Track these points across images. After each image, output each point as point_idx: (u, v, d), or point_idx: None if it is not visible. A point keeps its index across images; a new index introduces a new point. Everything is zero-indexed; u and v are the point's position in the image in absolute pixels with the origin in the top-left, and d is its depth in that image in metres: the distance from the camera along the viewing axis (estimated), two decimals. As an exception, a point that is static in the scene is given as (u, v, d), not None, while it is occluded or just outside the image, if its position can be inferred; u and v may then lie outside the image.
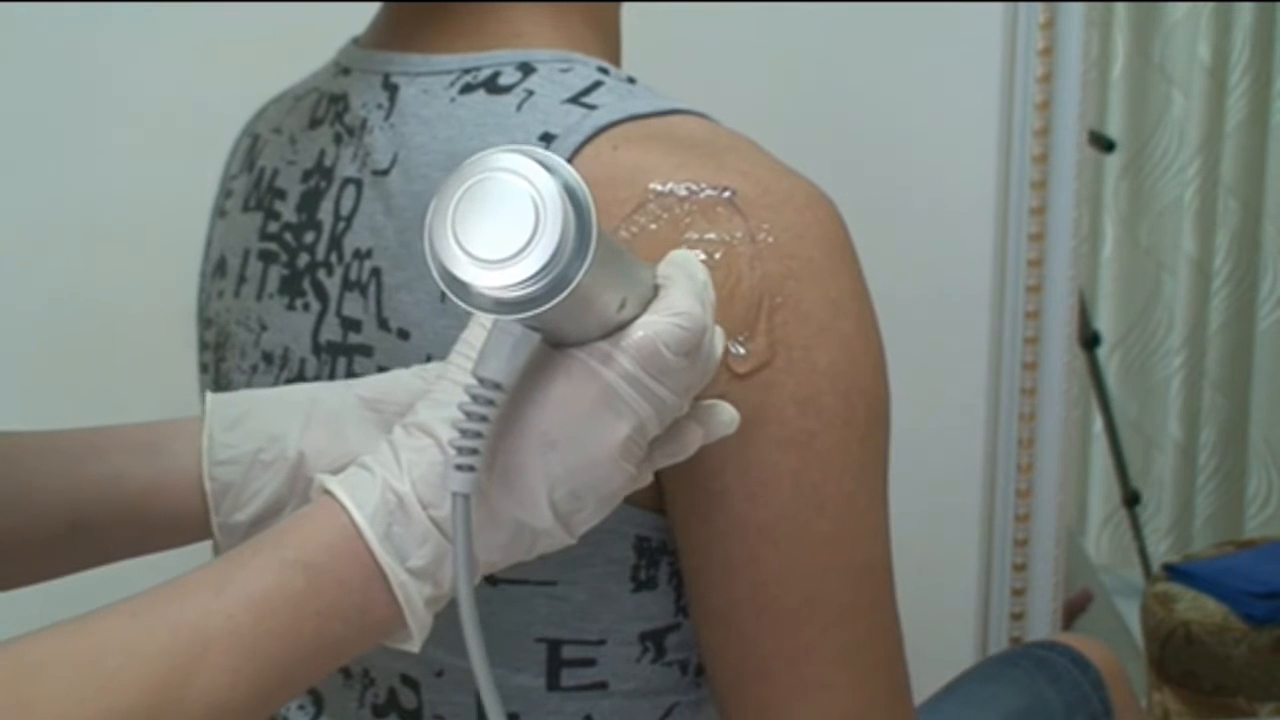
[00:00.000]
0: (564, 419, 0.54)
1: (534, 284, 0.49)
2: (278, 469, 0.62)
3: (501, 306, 0.50)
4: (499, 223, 0.49)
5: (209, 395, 0.65)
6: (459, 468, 0.52)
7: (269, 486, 0.62)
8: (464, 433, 0.52)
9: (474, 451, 0.52)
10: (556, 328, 0.53)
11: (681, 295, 0.55)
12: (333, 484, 0.54)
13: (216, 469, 0.62)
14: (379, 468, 0.54)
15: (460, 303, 0.50)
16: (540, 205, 0.49)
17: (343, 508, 0.53)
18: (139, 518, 0.63)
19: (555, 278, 0.49)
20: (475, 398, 0.52)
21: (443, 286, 0.50)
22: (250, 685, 0.50)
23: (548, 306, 0.49)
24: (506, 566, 0.57)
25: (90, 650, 0.48)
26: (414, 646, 0.55)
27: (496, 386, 0.52)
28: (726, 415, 0.58)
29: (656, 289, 0.56)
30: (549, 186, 0.49)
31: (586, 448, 0.54)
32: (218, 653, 0.49)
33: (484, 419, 0.52)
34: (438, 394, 0.56)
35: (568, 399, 0.53)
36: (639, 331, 0.54)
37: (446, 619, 0.59)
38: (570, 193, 0.49)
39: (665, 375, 0.54)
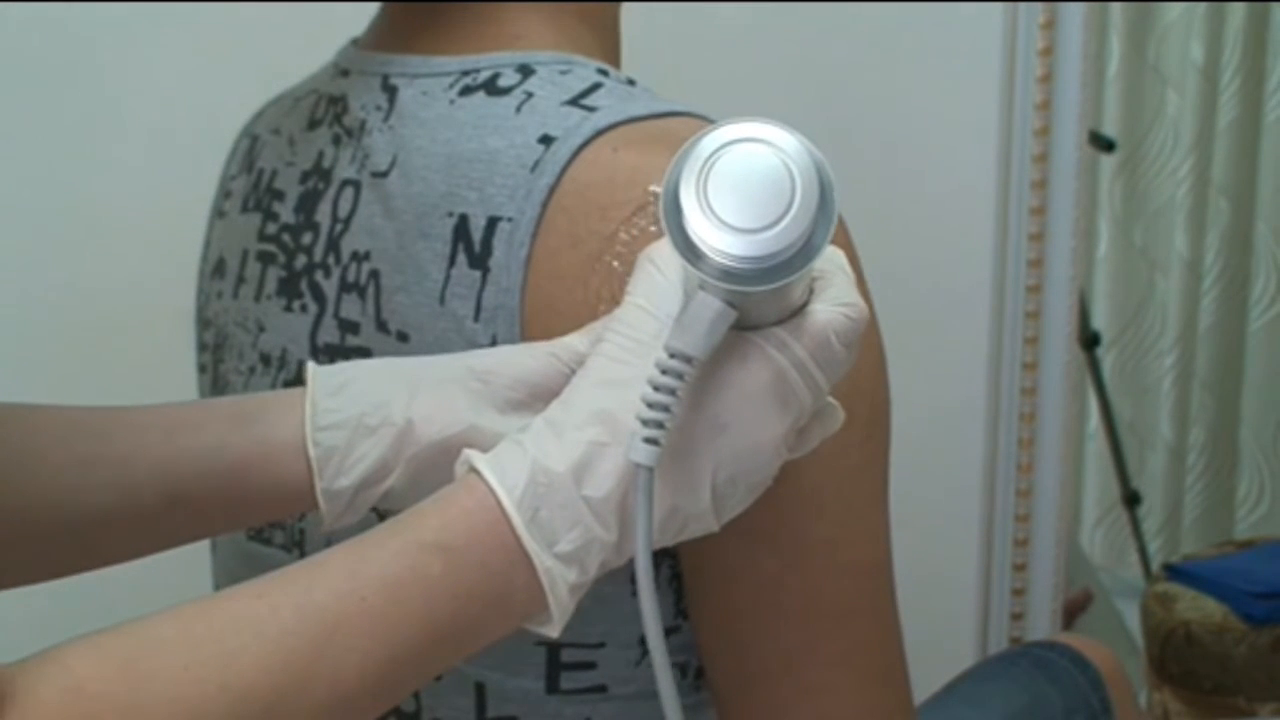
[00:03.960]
0: (737, 402, 0.53)
1: (776, 258, 0.48)
2: (383, 434, 0.61)
3: (728, 277, 0.49)
4: (753, 192, 0.49)
5: (311, 364, 0.64)
6: (646, 440, 0.51)
7: (374, 452, 0.61)
8: (652, 405, 0.51)
9: (660, 425, 0.51)
10: (753, 309, 0.52)
11: (846, 287, 0.55)
12: (481, 463, 0.53)
13: (320, 434, 0.61)
14: (532, 446, 0.53)
15: (687, 266, 0.49)
16: (796, 181, 0.49)
17: (490, 489, 0.52)
18: (237, 489, 0.63)
19: (794, 255, 0.49)
20: (666, 371, 0.51)
21: (673, 247, 0.50)
22: (380, 669, 0.49)
23: (780, 283, 0.49)
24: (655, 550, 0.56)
25: (213, 629, 0.47)
26: (553, 632, 0.54)
27: (689, 361, 0.51)
28: (840, 415, 0.58)
29: (812, 281, 0.56)
30: (806, 164, 0.49)
31: (754, 433, 0.53)
32: (347, 635, 0.49)
33: (673, 393, 0.51)
34: (597, 373, 0.55)
35: (743, 382, 0.53)
36: (812, 319, 0.53)
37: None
38: (819, 173, 0.49)
39: (829, 366, 0.54)
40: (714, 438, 0.53)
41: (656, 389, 0.51)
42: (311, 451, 0.61)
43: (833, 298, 0.54)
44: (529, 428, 0.54)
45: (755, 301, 0.51)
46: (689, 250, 0.49)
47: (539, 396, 0.59)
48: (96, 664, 0.46)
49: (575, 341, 0.61)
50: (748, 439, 0.53)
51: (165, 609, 0.48)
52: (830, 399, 0.57)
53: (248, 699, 0.47)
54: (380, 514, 0.62)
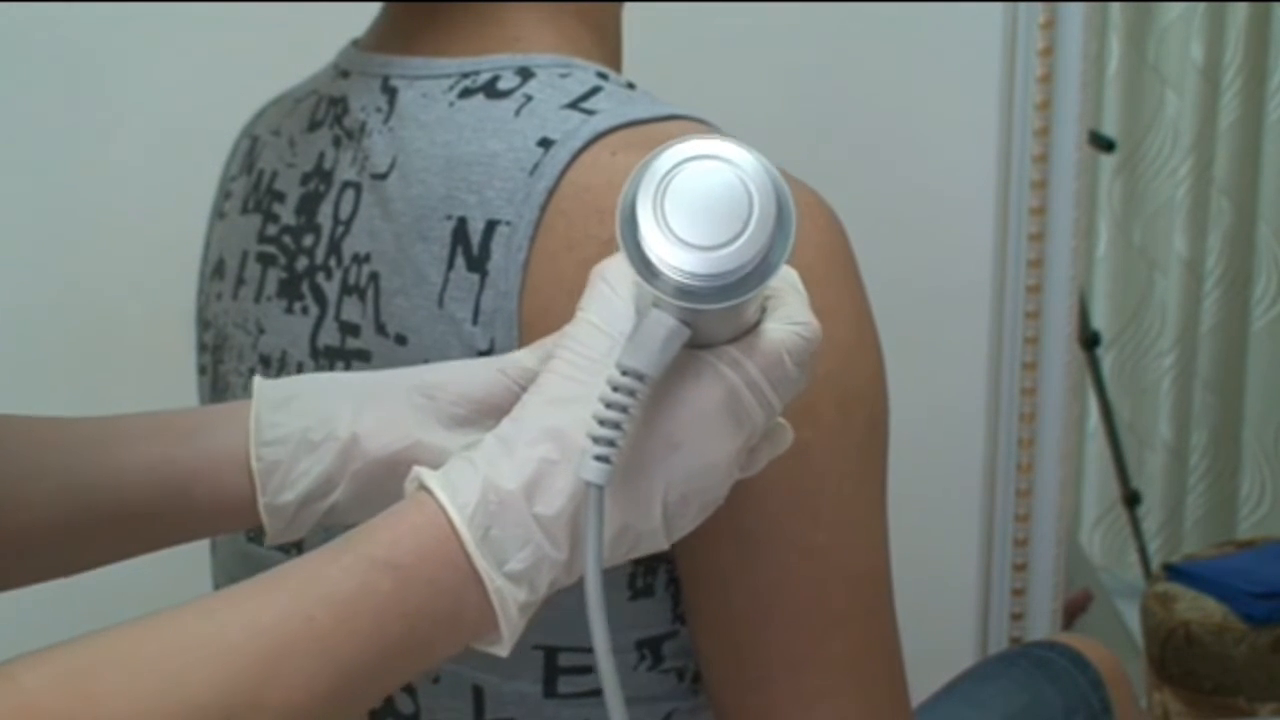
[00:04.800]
0: (690, 421, 0.53)
1: (731, 276, 0.48)
2: (327, 448, 0.61)
3: (683, 294, 0.49)
4: (711, 209, 0.48)
5: (257, 378, 0.64)
6: (598, 458, 0.51)
7: (317, 467, 0.61)
8: (604, 423, 0.51)
9: (612, 444, 0.51)
10: (706, 327, 0.52)
11: (799, 306, 0.55)
12: (431, 480, 0.53)
13: (264, 449, 0.61)
14: (484, 464, 0.53)
15: (642, 283, 0.49)
16: (754, 199, 0.48)
17: (440, 507, 0.52)
18: (184, 503, 0.62)
19: (751, 273, 0.48)
20: (618, 389, 0.51)
21: (630, 264, 0.49)
22: (329, 688, 0.49)
23: (735, 301, 0.49)
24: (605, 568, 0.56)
25: (164, 648, 0.47)
26: (502, 651, 0.54)
27: (641, 379, 0.51)
28: (788, 435, 0.58)
29: (765, 300, 0.55)
30: (764, 182, 0.49)
31: (707, 452, 0.53)
32: (296, 655, 0.48)
33: (625, 411, 0.51)
34: (549, 391, 0.54)
35: (696, 401, 0.53)
36: (765, 338, 0.53)
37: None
38: (776, 192, 0.49)
39: (781, 385, 0.54)
40: (666, 456, 0.53)
41: (609, 406, 0.51)
42: (255, 466, 0.61)
43: (785, 316, 0.54)
44: (479, 445, 0.54)
45: (709, 320, 0.51)
46: (645, 267, 0.49)
47: (485, 413, 0.59)
48: (48, 681, 0.45)
49: (523, 358, 0.60)
50: (700, 458, 0.53)
51: (116, 625, 0.48)
52: (780, 419, 0.57)
53: (199, 718, 0.46)
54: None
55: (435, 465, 0.54)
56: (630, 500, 0.53)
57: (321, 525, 0.62)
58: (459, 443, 0.57)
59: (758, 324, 0.54)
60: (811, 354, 0.54)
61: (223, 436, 0.62)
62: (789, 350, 0.53)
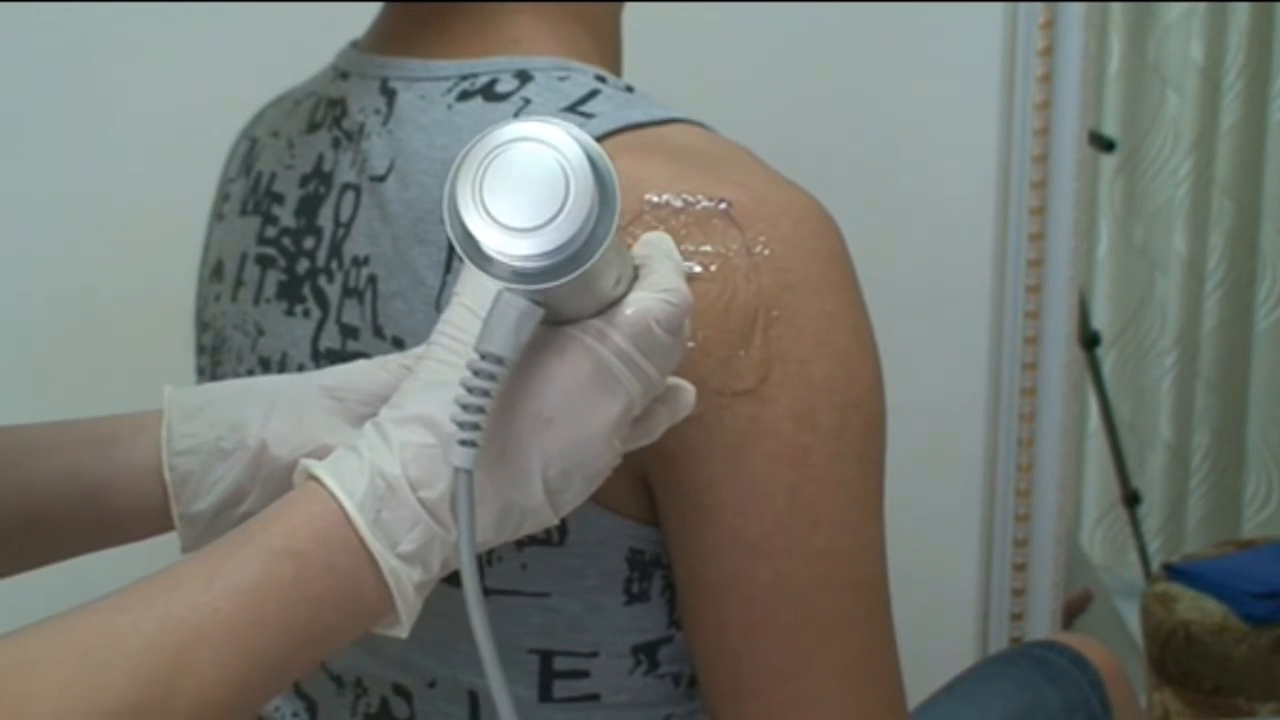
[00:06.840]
0: (559, 396, 0.53)
1: (560, 254, 0.49)
2: (238, 457, 0.62)
3: (520, 277, 0.50)
4: (526, 191, 0.49)
5: (168, 388, 0.64)
6: (462, 443, 0.51)
7: (229, 475, 0.62)
8: (466, 408, 0.51)
9: (476, 427, 0.51)
10: (560, 303, 0.52)
11: (667, 273, 0.55)
12: (320, 470, 0.54)
13: (176, 459, 0.62)
14: (368, 451, 0.54)
15: (478, 271, 0.50)
16: (569, 175, 0.49)
17: (331, 494, 0.53)
18: (96, 511, 0.63)
19: (581, 248, 0.49)
20: (478, 372, 0.51)
21: (461, 253, 0.50)
22: (240, 677, 0.50)
23: (570, 277, 0.49)
24: (495, 546, 0.57)
25: (78, 645, 0.48)
26: (402, 633, 0.54)
27: (499, 361, 0.51)
28: (689, 396, 0.58)
29: (636, 269, 0.56)
30: (577, 156, 0.49)
31: (581, 425, 0.54)
32: (206, 645, 0.49)
33: (486, 394, 0.51)
34: (425, 376, 0.55)
35: (563, 376, 0.53)
36: (630, 308, 0.54)
37: (440, 630, 0.59)
38: (594, 163, 0.49)
39: (654, 352, 0.54)
40: (539, 433, 0.54)
41: (470, 391, 0.52)
42: (167, 476, 0.62)
43: (653, 284, 0.55)
44: (362, 433, 0.55)
45: (560, 296, 0.51)
46: (478, 255, 0.50)
47: None
48: None
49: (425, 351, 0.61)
50: (574, 431, 0.54)
51: (33, 624, 0.49)
52: (680, 381, 0.57)
53: (119, 714, 0.47)
54: None
55: None
56: (509, 479, 0.54)
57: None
58: None
59: (627, 294, 0.54)
60: (682, 320, 0.55)
61: (135, 446, 0.63)
62: (657, 318, 0.54)
